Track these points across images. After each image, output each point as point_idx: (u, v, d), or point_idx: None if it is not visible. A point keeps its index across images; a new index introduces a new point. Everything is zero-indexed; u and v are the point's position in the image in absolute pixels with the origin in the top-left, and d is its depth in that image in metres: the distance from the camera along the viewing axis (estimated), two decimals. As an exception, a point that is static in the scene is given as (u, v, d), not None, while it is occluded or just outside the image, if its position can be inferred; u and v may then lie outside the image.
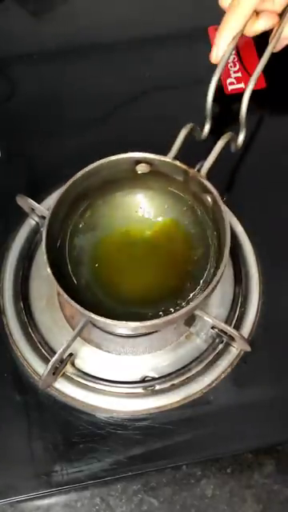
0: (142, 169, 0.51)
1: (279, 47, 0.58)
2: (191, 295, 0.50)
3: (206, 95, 0.54)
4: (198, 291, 0.50)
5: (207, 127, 0.54)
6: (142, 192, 0.54)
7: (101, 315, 0.44)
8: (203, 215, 0.52)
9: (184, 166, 0.49)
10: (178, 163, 0.49)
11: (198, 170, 0.49)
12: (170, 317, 0.44)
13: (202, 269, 0.51)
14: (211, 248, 0.51)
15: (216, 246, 0.51)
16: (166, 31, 0.69)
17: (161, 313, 0.49)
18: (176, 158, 0.49)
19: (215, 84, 0.53)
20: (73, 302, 0.45)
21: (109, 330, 0.54)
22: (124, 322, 0.44)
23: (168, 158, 0.49)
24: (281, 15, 0.56)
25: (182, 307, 0.45)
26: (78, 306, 0.45)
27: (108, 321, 0.44)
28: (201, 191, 0.49)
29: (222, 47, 0.54)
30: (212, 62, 0.55)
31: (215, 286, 0.45)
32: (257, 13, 0.55)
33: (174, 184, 0.52)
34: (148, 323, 0.45)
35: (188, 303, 0.47)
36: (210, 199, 0.48)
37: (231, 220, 0.58)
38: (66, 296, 0.45)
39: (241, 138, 0.54)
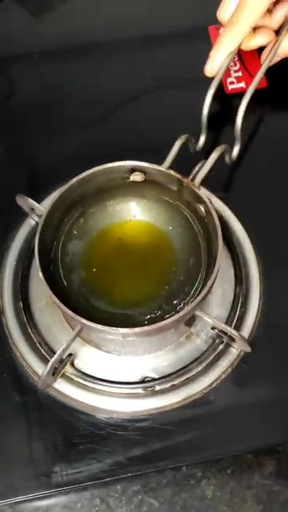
0: (136, 177, 0.51)
1: (274, 62, 0.58)
2: (182, 304, 0.50)
3: (206, 94, 0.54)
4: (189, 300, 0.50)
5: (202, 139, 0.55)
6: (136, 200, 0.54)
7: (93, 321, 0.45)
8: (195, 224, 0.53)
9: (178, 176, 0.49)
10: (172, 172, 0.49)
11: (192, 180, 0.49)
12: (157, 325, 0.45)
13: (193, 278, 0.51)
14: (202, 257, 0.52)
15: (207, 255, 0.51)
16: (166, 30, 0.69)
17: (147, 318, 0.49)
18: (171, 167, 0.49)
19: (211, 97, 0.54)
20: (62, 306, 0.45)
21: (101, 335, 0.54)
22: (114, 328, 0.44)
23: (162, 168, 0.49)
24: (277, 32, 0.56)
25: (172, 315, 0.46)
26: (69, 311, 0.45)
27: (99, 326, 0.44)
28: (194, 201, 0.50)
29: (217, 61, 0.55)
30: (206, 75, 0.55)
31: (203, 298, 0.46)
32: (254, 28, 0.55)
33: (167, 193, 0.52)
34: (137, 330, 0.46)
35: (178, 311, 0.47)
36: (203, 209, 0.49)
37: (231, 219, 0.58)
38: (56, 300, 0.45)
39: (235, 150, 0.55)
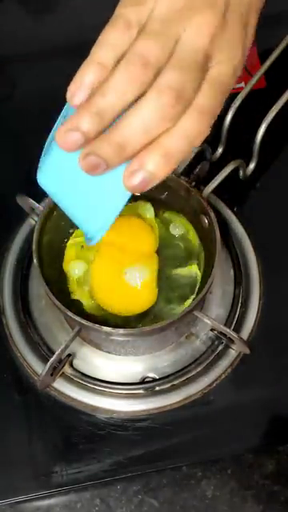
0: None
1: None
2: (181, 305, 0.51)
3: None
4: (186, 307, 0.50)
5: (220, 150, 0.54)
6: (140, 202, 0.54)
7: (93, 322, 0.45)
8: (196, 233, 0.53)
9: (186, 184, 0.49)
10: (181, 180, 0.49)
11: (200, 190, 0.49)
12: (156, 325, 0.45)
13: (191, 285, 0.51)
14: (199, 267, 0.52)
15: (203, 265, 0.51)
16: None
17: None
18: (184, 174, 0.49)
19: (233, 113, 0.53)
20: (61, 306, 0.45)
21: (100, 335, 0.54)
22: (114, 329, 0.44)
23: (173, 173, 0.49)
24: None
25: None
26: (68, 311, 0.45)
27: (98, 327, 0.44)
28: (199, 211, 0.49)
29: None
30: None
31: (200, 300, 0.46)
32: None
33: (175, 198, 0.52)
34: (137, 330, 0.46)
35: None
36: (206, 221, 0.49)
37: (231, 220, 0.58)
38: (55, 301, 0.45)
39: (251, 166, 0.54)
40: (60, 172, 0.37)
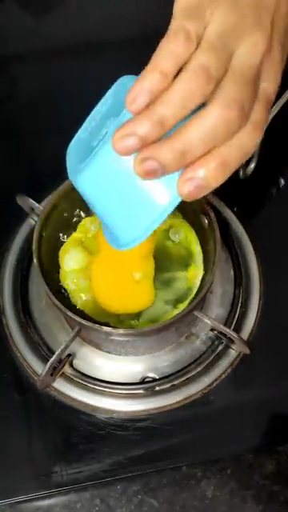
0: None
1: None
2: (181, 305, 0.51)
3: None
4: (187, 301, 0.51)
5: None
6: None
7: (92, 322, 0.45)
8: (194, 233, 0.53)
9: None
10: None
11: None
12: (156, 325, 0.45)
13: (187, 288, 0.51)
14: (197, 269, 0.52)
15: (206, 258, 0.51)
16: (167, 30, 0.69)
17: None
18: None
19: None
20: (61, 306, 0.45)
21: (100, 335, 0.54)
22: (113, 329, 0.45)
23: None
24: None
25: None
26: (68, 311, 0.45)
27: (97, 327, 0.45)
28: (199, 211, 0.49)
29: None
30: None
31: (200, 300, 0.46)
32: None
33: None
34: (137, 330, 0.46)
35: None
36: (206, 221, 0.49)
37: (232, 220, 0.58)
38: (55, 300, 0.45)
39: (251, 166, 0.54)
40: (102, 177, 0.36)
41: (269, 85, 0.35)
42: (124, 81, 0.40)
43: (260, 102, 0.34)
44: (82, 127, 0.41)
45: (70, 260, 0.51)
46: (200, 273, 0.51)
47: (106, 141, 0.35)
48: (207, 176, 0.33)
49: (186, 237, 0.53)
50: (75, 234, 0.53)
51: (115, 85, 0.40)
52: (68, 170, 0.40)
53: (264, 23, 0.35)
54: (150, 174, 0.33)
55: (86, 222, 0.54)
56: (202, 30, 0.34)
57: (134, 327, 0.49)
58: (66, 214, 0.52)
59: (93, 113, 0.41)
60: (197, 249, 0.52)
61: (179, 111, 0.32)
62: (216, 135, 0.32)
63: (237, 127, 0.32)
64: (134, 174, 0.33)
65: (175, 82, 0.32)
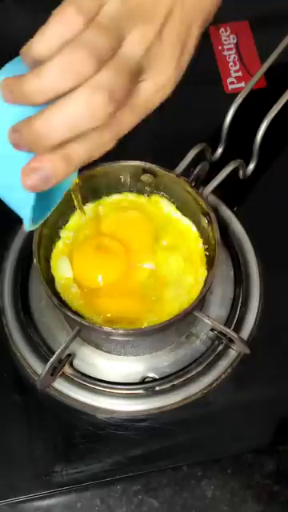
0: (145, 179, 0.51)
1: None
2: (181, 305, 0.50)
3: (206, 95, 0.53)
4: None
5: (220, 150, 0.54)
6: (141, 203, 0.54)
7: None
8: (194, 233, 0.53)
9: (186, 184, 0.49)
10: (181, 179, 0.49)
11: (200, 190, 0.49)
12: (156, 325, 0.45)
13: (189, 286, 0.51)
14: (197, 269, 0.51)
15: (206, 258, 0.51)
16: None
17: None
18: (183, 174, 0.49)
19: (233, 112, 0.53)
20: (61, 306, 0.45)
21: (100, 336, 0.54)
22: (113, 329, 0.45)
23: (173, 173, 0.49)
24: None
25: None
26: (67, 311, 0.45)
27: (97, 327, 0.45)
28: (199, 211, 0.49)
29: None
30: None
31: (199, 300, 0.46)
32: None
33: (175, 198, 0.52)
34: (136, 330, 0.46)
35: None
36: (206, 221, 0.49)
37: (232, 220, 0.58)
38: (55, 300, 0.45)
39: (251, 166, 0.54)
40: None
41: (147, 83, 0.33)
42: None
43: (132, 100, 0.32)
44: None
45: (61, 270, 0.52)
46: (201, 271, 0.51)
47: None
48: (49, 169, 0.31)
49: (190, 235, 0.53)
50: (59, 245, 0.53)
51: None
52: None
53: (159, 14, 0.33)
54: (17, 146, 0.32)
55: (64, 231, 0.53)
56: (98, 9, 0.32)
57: (133, 327, 0.49)
58: (66, 215, 0.52)
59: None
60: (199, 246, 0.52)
61: (53, 85, 0.30)
62: (78, 121, 0.30)
63: (101, 116, 0.30)
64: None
65: (55, 54, 0.30)
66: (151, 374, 0.53)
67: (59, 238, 0.52)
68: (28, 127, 0.31)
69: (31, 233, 0.57)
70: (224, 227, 0.57)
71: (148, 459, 0.49)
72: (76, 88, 0.30)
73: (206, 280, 0.48)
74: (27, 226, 0.38)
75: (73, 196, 0.47)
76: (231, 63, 0.66)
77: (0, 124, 0.33)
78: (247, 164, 0.53)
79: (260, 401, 0.52)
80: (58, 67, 0.30)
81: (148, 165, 0.50)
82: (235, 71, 0.66)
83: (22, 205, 0.36)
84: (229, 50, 0.67)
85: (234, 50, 0.67)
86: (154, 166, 0.50)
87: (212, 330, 0.53)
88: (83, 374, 0.53)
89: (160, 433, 0.50)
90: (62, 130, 0.31)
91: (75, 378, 0.52)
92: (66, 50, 0.30)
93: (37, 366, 0.52)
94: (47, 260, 0.51)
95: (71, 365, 0.53)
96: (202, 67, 0.57)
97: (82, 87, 0.30)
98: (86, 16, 0.31)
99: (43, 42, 0.31)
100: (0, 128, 0.33)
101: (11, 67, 0.34)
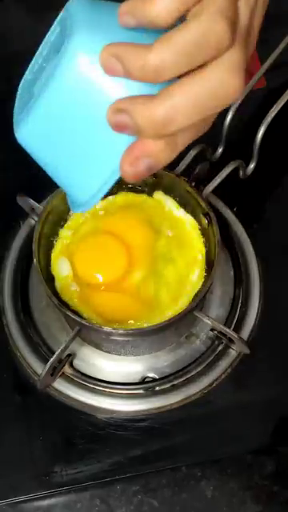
0: (146, 178, 0.51)
1: None
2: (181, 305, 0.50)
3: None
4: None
5: (220, 150, 0.54)
6: (141, 202, 0.54)
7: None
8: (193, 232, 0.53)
9: (186, 184, 0.49)
10: (181, 179, 0.49)
11: (200, 190, 0.49)
12: (155, 325, 0.45)
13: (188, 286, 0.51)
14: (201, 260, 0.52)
15: (206, 258, 0.51)
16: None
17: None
18: (183, 174, 0.49)
19: (233, 112, 0.53)
20: (61, 306, 0.45)
21: (100, 335, 0.54)
22: (113, 329, 0.45)
23: (173, 173, 0.49)
24: None
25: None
26: (67, 311, 0.45)
27: (97, 327, 0.45)
28: (199, 211, 0.49)
29: None
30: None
31: (199, 300, 0.46)
32: None
33: (175, 198, 0.52)
34: (136, 330, 0.46)
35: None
36: (206, 221, 0.49)
37: (232, 220, 0.58)
38: (55, 300, 0.46)
39: (251, 166, 0.54)
40: (45, 128, 0.31)
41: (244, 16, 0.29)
42: (73, 4, 0.33)
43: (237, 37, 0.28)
44: (29, 66, 0.36)
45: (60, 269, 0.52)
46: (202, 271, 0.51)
47: (46, 84, 0.30)
48: (159, 155, 0.28)
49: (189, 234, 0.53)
50: (59, 245, 0.53)
51: (63, 10, 0.34)
52: (14, 122, 0.35)
53: None
54: (121, 129, 0.28)
55: (64, 231, 0.53)
56: None
57: (133, 327, 0.49)
58: (66, 214, 0.52)
59: (41, 46, 0.35)
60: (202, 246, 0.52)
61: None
62: (210, 103, 0.27)
63: (236, 97, 0.27)
64: (84, 122, 0.29)
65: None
66: (151, 374, 0.53)
67: (59, 237, 0.52)
68: (145, 109, 0.26)
69: (31, 233, 0.58)
70: (224, 227, 0.57)
71: (148, 459, 0.49)
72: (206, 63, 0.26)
73: (205, 280, 0.48)
74: (83, 208, 0.34)
75: None
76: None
77: (93, 97, 0.29)
78: (247, 164, 0.53)
79: (260, 401, 0.52)
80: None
81: None
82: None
83: (87, 189, 0.32)
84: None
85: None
86: None
87: (212, 330, 0.53)
88: (83, 374, 0.53)
89: (160, 433, 0.50)
90: (189, 114, 0.26)
91: (75, 378, 0.52)
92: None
93: (37, 366, 0.52)
94: (47, 260, 0.51)
95: (71, 365, 0.53)
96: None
97: (215, 65, 0.26)
98: None
99: None
100: (93, 102, 0.29)
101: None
